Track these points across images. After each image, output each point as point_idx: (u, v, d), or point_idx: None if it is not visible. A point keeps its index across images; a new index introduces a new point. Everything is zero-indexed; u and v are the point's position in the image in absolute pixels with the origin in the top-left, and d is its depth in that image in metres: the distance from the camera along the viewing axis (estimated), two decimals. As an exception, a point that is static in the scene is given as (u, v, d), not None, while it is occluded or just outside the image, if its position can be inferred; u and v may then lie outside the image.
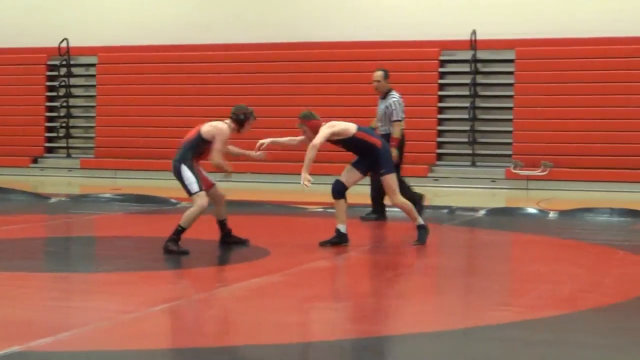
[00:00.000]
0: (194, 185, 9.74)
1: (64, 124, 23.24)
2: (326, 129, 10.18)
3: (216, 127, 9.96)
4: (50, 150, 23.51)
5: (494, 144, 20.49)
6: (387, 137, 12.90)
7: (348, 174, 10.48)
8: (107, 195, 16.13)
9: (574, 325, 6.69)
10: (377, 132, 12.73)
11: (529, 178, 19.41)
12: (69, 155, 23.07)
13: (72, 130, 23.30)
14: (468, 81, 20.48)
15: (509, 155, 19.95)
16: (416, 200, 12.75)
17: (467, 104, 20.43)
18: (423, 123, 20.62)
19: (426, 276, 9.20)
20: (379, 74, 13.64)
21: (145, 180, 19.84)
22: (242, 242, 10.30)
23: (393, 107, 13.33)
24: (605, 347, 6.13)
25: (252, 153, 10.46)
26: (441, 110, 20.92)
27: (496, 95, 20.61)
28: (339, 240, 10.32)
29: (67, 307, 7.17)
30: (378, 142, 10.38)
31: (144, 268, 9.15)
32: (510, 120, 20.17)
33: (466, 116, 20.43)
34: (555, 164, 19.33)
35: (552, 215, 14.13)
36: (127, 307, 7.16)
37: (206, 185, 9.92)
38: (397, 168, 12.04)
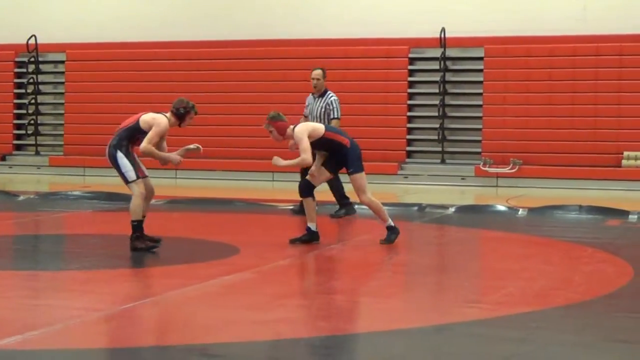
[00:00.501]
0: (130, 173, 9.73)
1: (32, 121, 23.10)
2: (303, 134, 10.11)
3: (154, 119, 9.97)
4: (18, 147, 23.36)
5: (464, 141, 20.56)
6: None
7: (316, 172, 10.46)
8: (76, 193, 16.04)
9: (544, 322, 6.71)
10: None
11: (498, 175, 19.48)
12: (37, 153, 22.94)
13: (40, 128, 23.17)
14: (437, 79, 20.52)
15: (479, 153, 20.01)
16: (344, 202, 13.52)
17: (437, 102, 20.48)
18: (392, 121, 20.68)
19: (396, 273, 9.22)
20: (319, 72, 13.84)
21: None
22: (155, 241, 9.97)
23: (333, 105, 13.61)
24: (574, 344, 6.16)
25: (176, 156, 10.02)
26: (411, 108, 20.95)
27: (465, 92, 20.67)
28: (310, 238, 10.35)
29: (35, 306, 7.13)
30: (346, 141, 10.40)
31: (113, 266, 9.10)
32: (479, 117, 20.23)
33: (436, 114, 20.48)
34: (525, 161, 19.41)
35: (521, 212, 14.18)
36: (96, 305, 7.13)
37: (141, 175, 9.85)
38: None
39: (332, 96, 13.68)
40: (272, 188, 19.38)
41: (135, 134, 9.84)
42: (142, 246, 9.50)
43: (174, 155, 9.91)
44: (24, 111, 23.32)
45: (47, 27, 22.94)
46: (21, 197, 15.81)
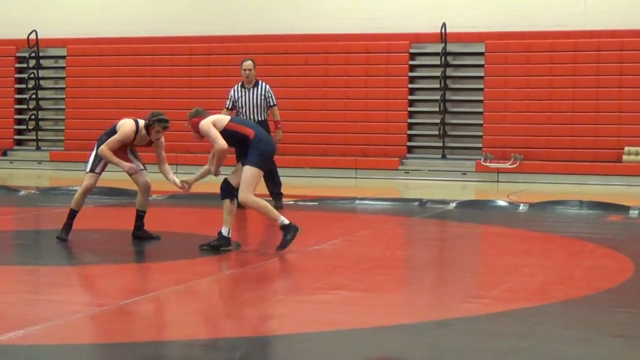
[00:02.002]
0: (89, 165, 10.22)
1: (33, 117, 23.10)
2: (208, 126, 9.46)
3: (122, 125, 10.05)
4: (19, 142, 23.37)
5: (465, 136, 20.55)
6: (263, 124, 13.60)
7: (236, 172, 9.79)
8: (77, 188, 15.98)
9: (544, 318, 6.72)
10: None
11: (499, 170, 19.48)
12: (38, 148, 22.95)
13: (41, 123, 23.17)
14: (438, 74, 20.52)
15: (479, 148, 20.01)
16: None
17: (438, 97, 20.48)
18: (393, 116, 20.68)
19: (396, 269, 9.22)
20: (251, 64, 14.35)
21: (115, 173, 19.67)
22: (153, 238, 10.13)
23: (270, 94, 14.17)
24: (575, 339, 6.16)
25: (127, 164, 9.99)
26: (411, 103, 20.95)
27: (466, 88, 20.67)
28: (219, 244, 9.48)
29: (36, 300, 7.14)
30: (251, 132, 9.52)
31: (115, 261, 9.11)
32: (480, 113, 20.22)
33: (436, 109, 20.47)
34: (526, 156, 19.41)
35: (522, 207, 14.18)
36: (97, 300, 7.14)
37: (133, 170, 10.06)
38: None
39: (266, 85, 14.27)
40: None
41: (111, 134, 10.07)
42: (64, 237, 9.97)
43: (126, 163, 9.91)
44: (24, 106, 23.32)
45: (47, 22, 22.93)
46: (22, 192, 15.81)
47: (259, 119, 13.81)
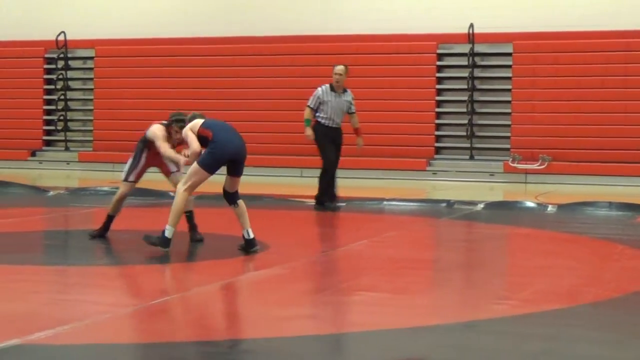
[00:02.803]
0: (124, 174, 10.36)
1: (62, 117, 23.21)
2: (187, 131, 9.42)
3: (154, 129, 10.12)
4: (48, 143, 23.48)
5: (492, 137, 20.48)
6: (338, 130, 14.12)
7: (227, 179, 9.67)
8: (106, 188, 16.10)
9: (573, 320, 6.69)
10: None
11: (527, 172, 19.41)
12: (67, 149, 23.06)
13: (70, 124, 23.27)
14: (466, 75, 20.46)
15: (507, 149, 19.94)
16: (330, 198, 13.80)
17: (465, 98, 20.42)
18: (421, 117, 20.64)
19: (424, 270, 9.20)
20: (343, 68, 14.29)
21: (146, 174, 19.76)
22: (198, 240, 10.19)
23: (353, 101, 14.33)
24: (603, 341, 6.14)
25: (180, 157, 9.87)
26: (439, 104, 20.90)
27: (494, 88, 20.59)
28: (247, 246, 9.52)
29: (66, 301, 7.17)
30: (211, 134, 9.30)
31: (143, 261, 9.15)
32: (508, 113, 20.15)
33: (464, 110, 20.42)
34: (554, 157, 19.32)
35: (550, 208, 14.13)
36: (125, 301, 7.17)
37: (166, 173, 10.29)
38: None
39: (350, 92, 14.39)
40: (300, 184, 19.38)
41: (146, 141, 10.30)
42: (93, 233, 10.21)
43: (182, 158, 9.87)
44: (53, 107, 23.43)
45: (76, 24, 23.04)
46: (51, 193, 15.90)
47: (338, 124, 14.14)
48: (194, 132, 9.37)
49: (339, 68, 14.20)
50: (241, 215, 9.54)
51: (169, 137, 10.01)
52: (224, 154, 9.30)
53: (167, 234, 9.20)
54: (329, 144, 14.14)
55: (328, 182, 14.06)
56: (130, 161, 10.29)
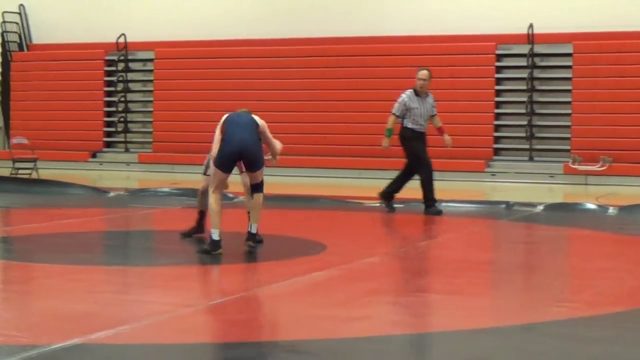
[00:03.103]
0: (203, 167, 10.45)
1: (122, 119, 23.43)
2: (217, 129, 9.51)
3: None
4: (108, 144, 23.70)
5: (552, 138, 20.31)
6: (425, 134, 14.10)
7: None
8: (165, 189, 16.23)
9: (634, 323, 6.62)
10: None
11: (587, 173, 19.22)
12: (127, 150, 23.26)
13: (130, 125, 23.48)
14: (525, 75, 20.32)
15: (567, 150, 19.76)
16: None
17: (525, 99, 20.27)
18: (480, 118, 20.53)
19: (483, 272, 9.15)
20: (427, 74, 14.28)
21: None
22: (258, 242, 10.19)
23: (434, 104, 14.31)
24: (665, 344, 6.06)
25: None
26: (498, 104, 20.78)
27: (554, 89, 20.42)
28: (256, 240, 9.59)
29: (126, 301, 7.23)
30: (222, 133, 9.37)
31: (202, 262, 9.20)
32: (568, 114, 19.97)
33: (523, 111, 20.27)
34: (615, 158, 19.10)
35: (611, 210, 13.98)
36: (185, 301, 7.21)
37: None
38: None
39: (431, 96, 14.43)
40: (358, 185, 19.38)
41: None
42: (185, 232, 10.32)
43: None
44: (114, 109, 23.66)
45: (136, 26, 23.24)
46: (111, 194, 16.04)
47: (425, 128, 14.14)
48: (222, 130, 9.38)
49: (423, 73, 14.15)
50: (252, 209, 9.52)
51: None
52: (226, 150, 9.25)
53: (214, 236, 9.20)
54: (422, 147, 14.10)
55: (427, 185, 13.83)
56: (209, 155, 10.13)
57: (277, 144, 9.84)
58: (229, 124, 9.39)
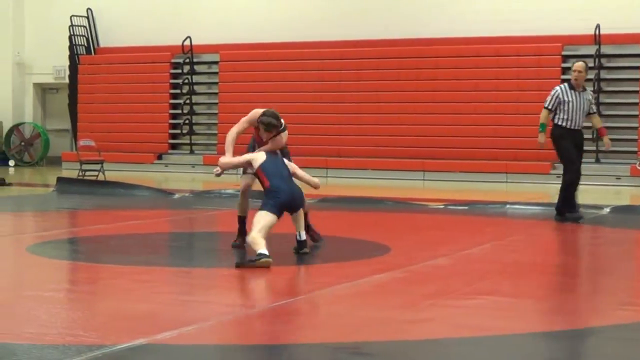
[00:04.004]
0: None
1: (187, 121, 23.61)
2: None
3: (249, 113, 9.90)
4: (174, 146, 23.91)
5: (619, 140, 20.04)
6: (580, 132, 12.83)
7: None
8: (230, 191, 16.29)
9: (703, 327, 6.51)
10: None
11: (655, 175, 18.99)
12: (192, 152, 23.43)
13: (195, 127, 23.66)
14: (592, 77, 20.11)
15: (634, 152, 19.53)
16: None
17: (591, 100, 20.07)
18: (546, 119, 20.35)
19: (548, 275, 9.07)
20: (583, 65, 12.99)
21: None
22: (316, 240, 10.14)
23: (593, 100, 13.09)
24: None
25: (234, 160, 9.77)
26: (564, 106, 20.59)
27: (621, 90, 20.20)
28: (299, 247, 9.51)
29: (190, 302, 7.28)
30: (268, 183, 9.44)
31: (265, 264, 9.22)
32: (635, 116, 19.75)
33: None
34: (684, 160, 18.86)
35: (679, 213, 13.77)
36: (248, 302, 7.24)
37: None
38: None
39: (590, 91, 13.20)
40: (422, 187, 19.33)
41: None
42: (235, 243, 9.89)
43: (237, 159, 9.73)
44: (179, 111, 23.85)
45: (201, 29, 23.42)
46: (176, 196, 16.16)
47: (580, 125, 12.80)
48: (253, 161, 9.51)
49: (579, 65, 12.91)
50: (296, 220, 9.42)
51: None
52: (282, 201, 9.27)
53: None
54: (572, 148, 12.77)
55: (571, 191, 12.76)
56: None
57: (312, 179, 9.74)
58: (268, 172, 9.37)
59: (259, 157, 9.44)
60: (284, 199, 9.20)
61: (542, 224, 12.82)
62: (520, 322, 6.71)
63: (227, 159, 9.59)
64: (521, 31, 20.69)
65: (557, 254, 10.43)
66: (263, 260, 8.54)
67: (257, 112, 9.82)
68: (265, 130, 9.59)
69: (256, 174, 9.46)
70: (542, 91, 20.37)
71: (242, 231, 9.91)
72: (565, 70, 20.61)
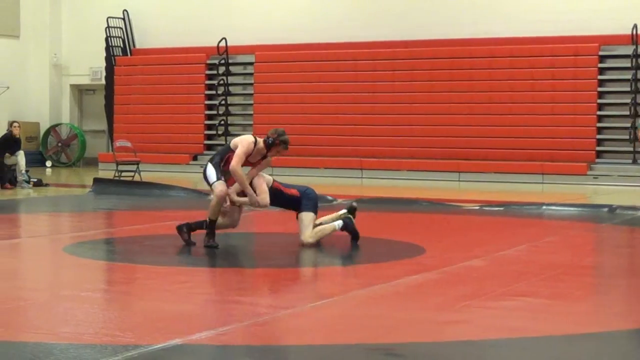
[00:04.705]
0: (212, 177, 10.04)
1: (222, 122, 23.67)
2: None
3: (241, 139, 10.05)
4: (209, 147, 23.97)
5: (657, 141, 19.95)
6: None
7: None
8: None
9: None
10: None
11: (693, 176, 18.83)
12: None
13: (230, 128, 23.71)
14: (629, 77, 19.98)
15: (672, 153, 19.39)
16: None
17: (628, 100, 19.94)
18: (582, 120, 20.27)
19: (584, 276, 9.02)
20: None
21: (304, 177, 20.01)
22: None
23: None
24: None
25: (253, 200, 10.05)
26: (600, 106, 20.48)
27: (658, 90, 20.05)
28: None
29: (225, 302, 7.30)
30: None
31: (301, 264, 9.24)
32: (673, 116, 19.60)
33: (627, 113, 19.95)
34: None
35: None
36: (284, 303, 7.25)
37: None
38: None
39: None
40: (457, 188, 19.28)
41: (227, 152, 10.06)
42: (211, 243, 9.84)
43: (257, 198, 9.91)
44: (214, 112, 23.92)
45: (236, 30, 23.47)
46: (211, 196, 16.17)
47: None
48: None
49: None
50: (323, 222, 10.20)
51: (252, 155, 10.00)
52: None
53: None
54: None
55: None
56: (211, 168, 10.21)
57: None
58: (283, 184, 10.33)
59: (266, 180, 10.12)
60: (315, 195, 10.16)
61: (578, 225, 12.75)
62: (555, 324, 6.67)
63: (239, 199, 10.00)
64: (557, 31, 20.59)
65: (593, 256, 10.37)
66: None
67: (248, 139, 10.06)
68: (284, 149, 10.07)
69: (275, 191, 10.02)
70: (578, 92, 20.31)
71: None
72: (602, 71, 20.50)
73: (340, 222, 10.18)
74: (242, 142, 10.00)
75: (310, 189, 10.30)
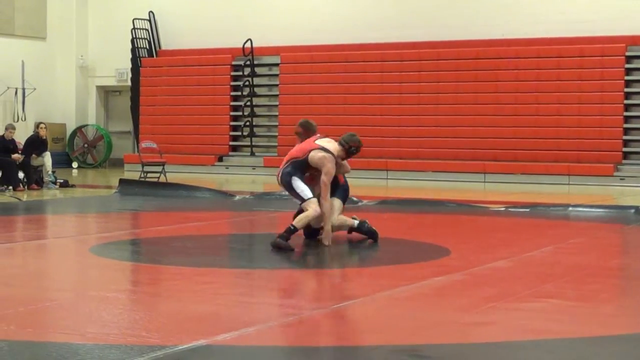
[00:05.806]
0: (306, 192, 10.20)
1: (247, 123, 23.70)
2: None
3: (322, 159, 10.09)
4: (234, 148, 24.02)
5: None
6: None
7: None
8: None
9: None
10: None
11: None
12: (252, 154, 23.52)
13: (255, 129, 23.75)
14: (656, 77, 19.89)
15: (700, 154, 19.27)
16: None
17: (655, 101, 19.85)
18: (608, 121, 20.17)
19: (611, 278, 8.98)
20: None
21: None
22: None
23: None
24: None
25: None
26: (627, 107, 20.38)
27: (685, 91, 19.94)
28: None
29: (250, 303, 7.31)
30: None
31: (325, 265, 9.24)
32: (701, 116, 19.48)
33: (654, 113, 19.85)
34: None
35: None
36: (308, 304, 7.25)
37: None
38: None
39: None
40: (483, 189, 19.23)
41: (305, 167, 10.20)
42: (282, 244, 9.77)
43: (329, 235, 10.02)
44: (240, 113, 23.96)
45: (262, 31, 23.50)
46: (237, 197, 16.23)
47: None
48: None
49: None
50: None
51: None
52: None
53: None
54: None
55: None
56: (300, 184, 10.43)
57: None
58: None
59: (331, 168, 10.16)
60: (349, 189, 10.77)
61: (605, 227, 12.70)
62: (581, 326, 6.64)
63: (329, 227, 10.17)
64: (583, 32, 20.50)
65: (620, 257, 10.31)
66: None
67: (329, 158, 10.16)
68: (357, 152, 10.27)
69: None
70: (605, 92, 20.21)
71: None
72: (629, 72, 20.40)
73: (357, 221, 10.30)
74: (326, 164, 10.10)
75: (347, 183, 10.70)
